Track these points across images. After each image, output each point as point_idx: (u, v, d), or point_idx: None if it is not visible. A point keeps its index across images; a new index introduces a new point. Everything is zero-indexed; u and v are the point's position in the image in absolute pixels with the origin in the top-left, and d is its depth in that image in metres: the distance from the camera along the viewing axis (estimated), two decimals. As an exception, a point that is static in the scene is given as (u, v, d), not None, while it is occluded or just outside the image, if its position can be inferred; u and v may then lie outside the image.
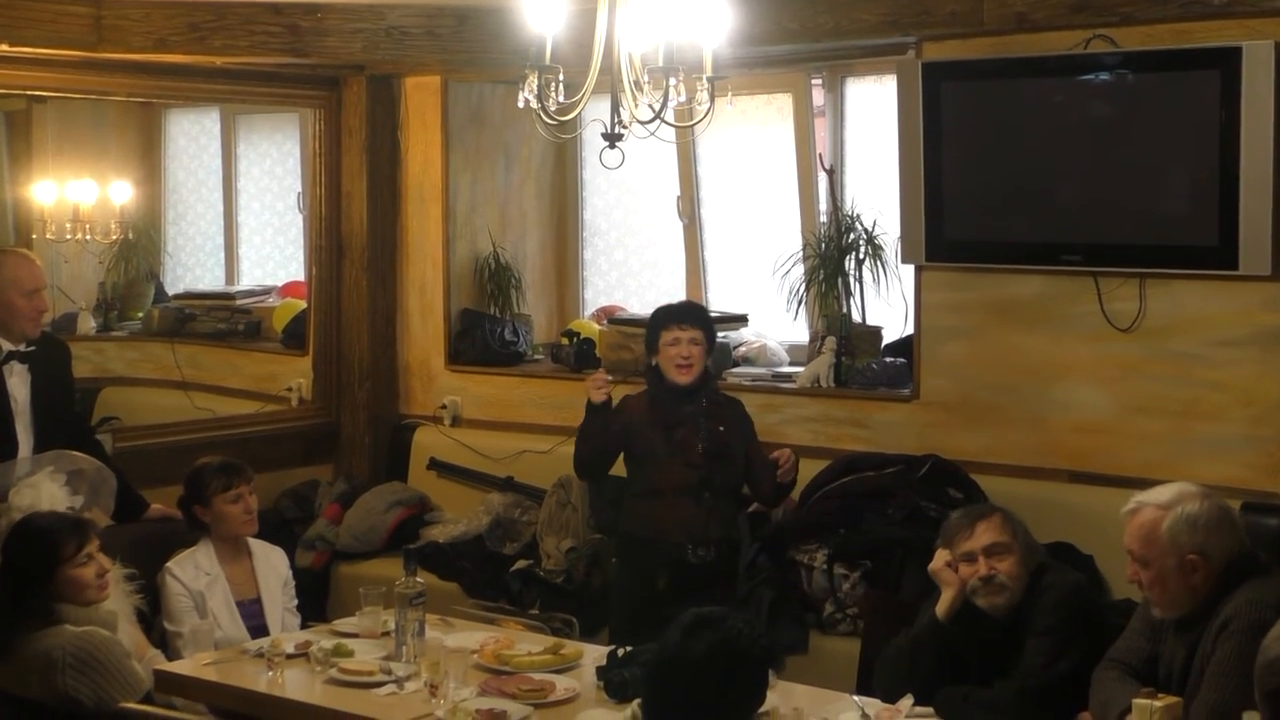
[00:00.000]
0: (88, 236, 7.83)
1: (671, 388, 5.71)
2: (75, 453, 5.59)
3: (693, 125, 4.45)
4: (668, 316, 5.80)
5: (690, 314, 5.84)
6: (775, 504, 6.06)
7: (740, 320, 7.45)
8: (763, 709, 4.04)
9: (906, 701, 4.33)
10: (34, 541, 4.69)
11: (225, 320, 8.41)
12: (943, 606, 4.54)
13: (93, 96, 7.34)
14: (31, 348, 5.75)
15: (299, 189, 8.46)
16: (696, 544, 5.63)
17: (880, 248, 6.79)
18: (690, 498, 5.63)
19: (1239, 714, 3.43)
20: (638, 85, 4.28)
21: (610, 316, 7.71)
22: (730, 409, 5.84)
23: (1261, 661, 2.53)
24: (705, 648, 3.23)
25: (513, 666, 4.70)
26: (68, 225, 7.69)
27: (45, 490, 5.29)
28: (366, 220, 7.89)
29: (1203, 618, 4.01)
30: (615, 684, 4.39)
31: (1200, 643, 3.98)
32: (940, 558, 4.59)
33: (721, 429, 5.71)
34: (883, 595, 5.70)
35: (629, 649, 4.49)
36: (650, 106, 4.29)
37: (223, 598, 5.41)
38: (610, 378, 5.82)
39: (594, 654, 4.78)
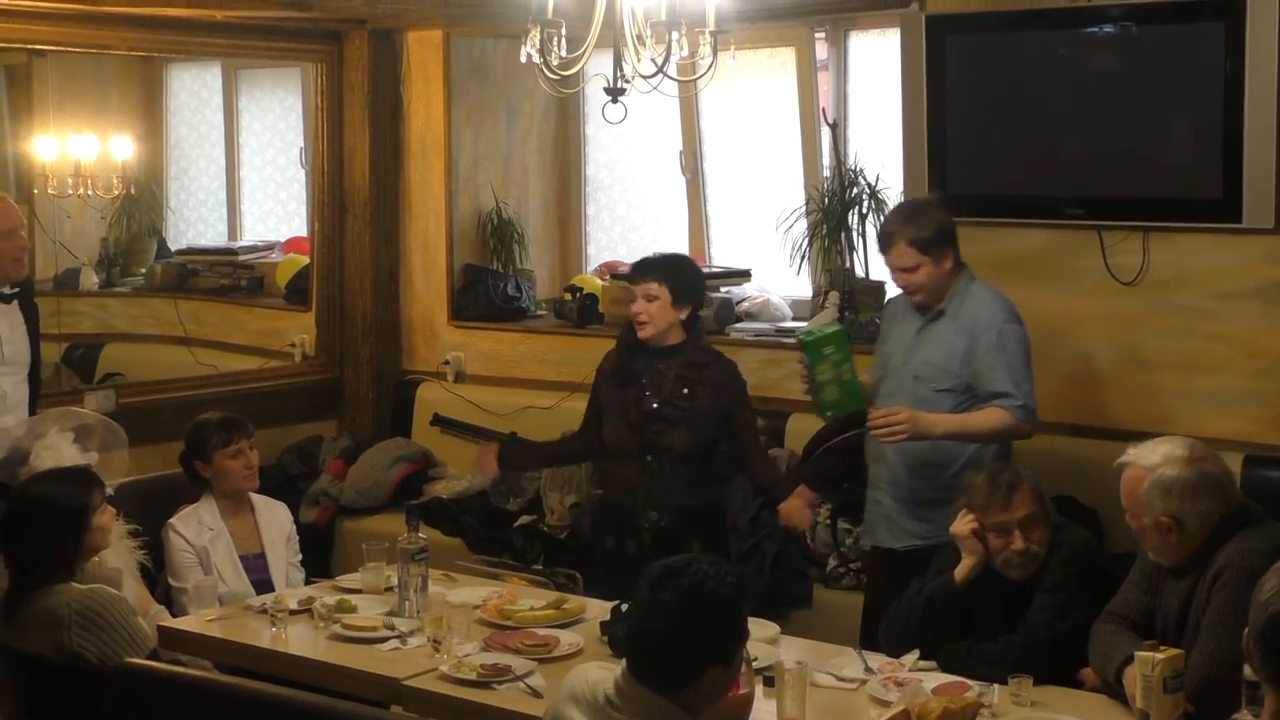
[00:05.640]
0: (90, 192, 7.81)
1: (634, 343, 5.48)
2: (76, 409, 5.57)
3: (695, 79, 4.44)
4: (631, 271, 5.65)
5: (646, 267, 5.54)
6: (762, 493, 5.84)
7: (743, 275, 7.44)
8: (767, 663, 4.07)
9: (911, 656, 4.34)
10: (62, 501, 4.65)
11: (228, 276, 8.41)
12: (962, 572, 4.50)
13: (93, 50, 7.31)
14: (17, 289, 5.66)
15: (301, 144, 8.44)
16: (647, 508, 5.41)
17: (883, 202, 6.75)
18: (632, 460, 5.43)
19: (1237, 661, 3.43)
20: (640, 39, 4.27)
21: (613, 272, 7.68)
22: (709, 369, 5.48)
23: (1260, 618, 2.50)
24: (673, 597, 3.22)
25: (516, 621, 4.71)
26: (69, 180, 7.67)
27: (65, 451, 5.29)
28: (369, 175, 7.87)
29: (1195, 568, 4.03)
30: (619, 638, 4.38)
31: (1194, 593, 4.00)
32: (966, 522, 4.52)
33: (685, 391, 5.41)
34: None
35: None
36: (653, 61, 4.28)
37: (226, 553, 5.42)
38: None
39: (597, 609, 4.78)
